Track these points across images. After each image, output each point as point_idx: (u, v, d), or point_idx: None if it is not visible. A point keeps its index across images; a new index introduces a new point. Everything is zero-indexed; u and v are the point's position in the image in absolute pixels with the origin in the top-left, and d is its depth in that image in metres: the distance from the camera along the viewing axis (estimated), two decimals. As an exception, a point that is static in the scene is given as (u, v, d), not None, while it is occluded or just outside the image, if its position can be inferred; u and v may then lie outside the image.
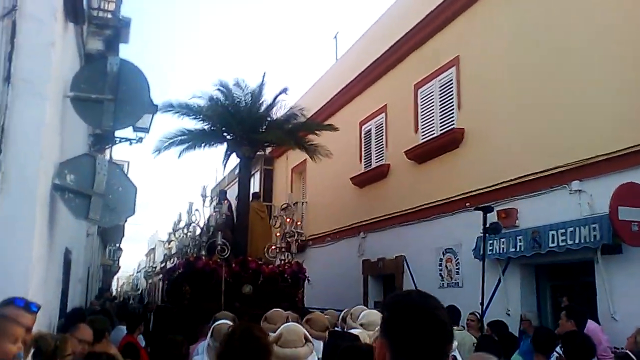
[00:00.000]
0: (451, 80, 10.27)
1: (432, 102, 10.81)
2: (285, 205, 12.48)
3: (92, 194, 4.84)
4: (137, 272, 63.45)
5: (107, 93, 5.04)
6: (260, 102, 12.03)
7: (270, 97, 12.14)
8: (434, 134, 10.62)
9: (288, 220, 11.81)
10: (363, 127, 13.59)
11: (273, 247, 11.08)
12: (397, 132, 12.00)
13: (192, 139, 11.86)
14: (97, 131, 9.61)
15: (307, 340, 4.39)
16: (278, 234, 11.56)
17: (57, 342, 3.59)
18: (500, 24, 9.22)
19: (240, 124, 11.54)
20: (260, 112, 11.94)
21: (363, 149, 13.52)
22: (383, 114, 12.68)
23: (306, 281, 11.22)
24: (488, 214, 7.30)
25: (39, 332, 3.66)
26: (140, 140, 10.88)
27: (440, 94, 10.57)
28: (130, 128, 10.21)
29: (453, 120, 10.13)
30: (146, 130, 10.59)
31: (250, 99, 11.91)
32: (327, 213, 15.23)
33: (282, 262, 10.98)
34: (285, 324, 4.91)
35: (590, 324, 6.02)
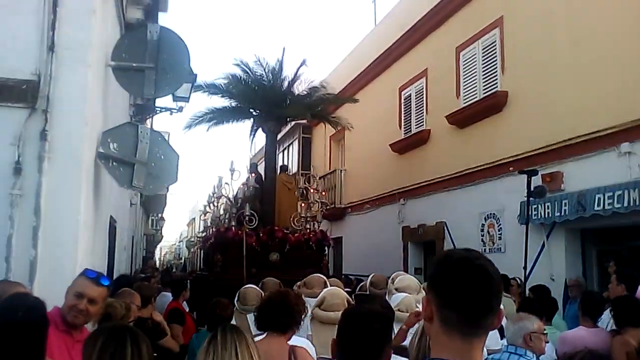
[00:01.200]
0: (494, 41, 9.99)
1: (475, 64, 10.55)
2: (310, 176, 13.15)
3: (136, 162, 4.90)
4: (180, 242, 64.78)
5: (148, 61, 5.06)
6: (283, 77, 12.35)
7: (291, 72, 12.41)
8: (476, 97, 10.39)
9: (312, 190, 12.22)
10: (403, 93, 13.40)
11: (299, 217, 11.44)
12: (438, 97, 11.79)
13: (219, 116, 12.44)
14: (138, 101, 9.74)
15: (349, 303, 4.57)
16: (303, 205, 11.83)
17: (125, 309, 3.74)
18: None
19: (263, 100, 11.93)
20: (283, 88, 12.28)
21: (403, 115, 13.36)
22: (423, 79, 12.46)
23: (331, 247, 11.80)
24: (533, 177, 7.13)
25: (109, 299, 3.79)
26: (180, 109, 10.96)
27: (483, 57, 10.30)
28: (170, 97, 10.31)
29: (496, 83, 9.88)
30: (186, 99, 10.65)
31: (271, 75, 12.24)
32: (366, 180, 15.18)
33: (308, 230, 11.31)
34: (328, 289, 5.15)
35: (640, 289, 5.88)
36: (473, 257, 1.51)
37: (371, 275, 6.43)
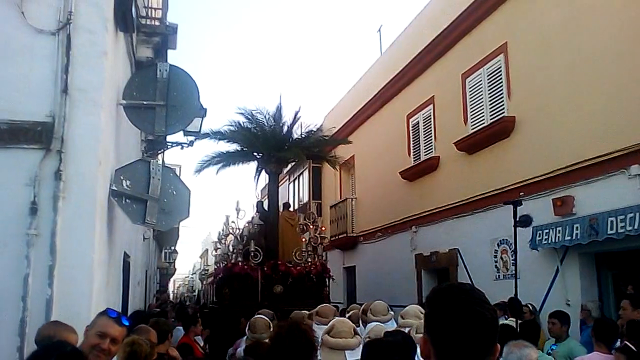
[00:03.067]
0: (500, 67, 10.07)
1: (481, 91, 10.62)
2: (310, 213, 14.09)
3: (148, 199, 4.98)
4: (193, 274, 64.66)
5: (158, 99, 5.18)
6: (282, 123, 13.52)
7: (290, 116, 13.69)
8: (483, 123, 10.43)
9: (312, 227, 13.13)
10: (410, 120, 13.48)
11: (300, 251, 12.31)
12: (446, 124, 11.85)
13: (226, 159, 13.55)
14: (150, 137, 9.87)
15: (355, 332, 4.85)
16: (304, 240, 12.79)
17: (149, 347, 3.78)
18: (549, 8, 8.98)
19: (265, 144, 13.04)
20: (282, 133, 13.46)
21: (412, 142, 13.41)
22: (431, 106, 12.55)
23: (330, 280, 12.77)
24: (518, 207, 7.26)
25: (134, 337, 3.83)
26: (191, 143, 11.11)
27: (489, 83, 10.38)
28: (181, 132, 10.45)
29: (503, 109, 9.93)
30: (197, 134, 10.80)
31: (272, 121, 13.40)
32: (377, 208, 15.18)
33: (309, 263, 12.13)
34: (337, 318, 5.51)
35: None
36: (467, 297, 1.51)
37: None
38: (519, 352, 3.81)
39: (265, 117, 13.36)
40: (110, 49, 4.68)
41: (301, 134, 13.98)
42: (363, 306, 6.87)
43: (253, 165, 13.84)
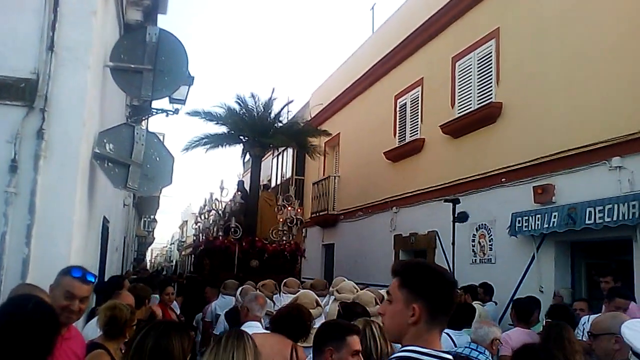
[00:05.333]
0: (490, 53, 10.07)
1: (470, 75, 10.62)
2: (288, 195, 14.73)
3: (131, 163, 4.94)
4: (171, 244, 64.58)
5: (146, 63, 5.11)
6: (270, 111, 14.58)
7: (279, 105, 14.89)
8: (471, 107, 10.45)
9: (289, 208, 13.97)
10: (398, 101, 13.46)
11: (277, 230, 13.37)
12: (433, 106, 11.86)
13: (215, 141, 14.42)
14: (135, 102, 9.76)
15: (317, 304, 5.58)
16: (281, 220, 13.65)
17: (129, 312, 3.76)
18: (542, -5, 8.98)
19: (252, 129, 13.99)
20: (269, 120, 14.53)
21: (398, 123, 13.41)
22: (419, 88, 12.53)
23: (303, 257, 14.00)
24: (457, 205, 8.58)
25: (115, 302, 3.82)
26: (176, 111, 11.02)
27: (479, 67, 10.38)
28: (167, 99, 10.35)
29: (491, 94, 9.95)
30: (182, 102, 10.70)
31: (262, 109, 14.43)
32: (359, 187, 15.22)
33: (284, 242, 13.16)
34: (301, 290, 6.41)
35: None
36: (444, 271, 2.04)
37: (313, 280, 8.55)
38: (486, 329, 4.58)
39: (255, 103, 14.32)
40: (99, 9, 4.59)
41: (286, 123, 15.17)
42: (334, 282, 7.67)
43: (238, 147, 14.75)
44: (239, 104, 14.27)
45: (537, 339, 5.38)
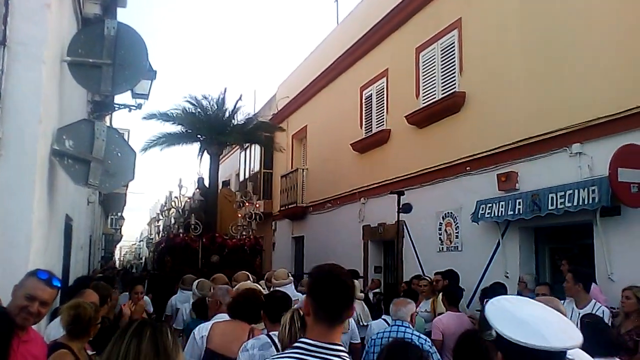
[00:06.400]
0: (453, 43, 10.16)
1: (434, 65, 10.71)
2: (246, 191, 15.28)
3: (92, 160, 4.84)
4: (140, 241, 63.80)
5: (105, 57, 5.01)
6: (224, 109, 14.99)
7: (232, 103, 15.24)
8: (435, 98, 10.55)
9: (248, 204, 14.37)
10: (364, 92, 13.50)
11: (236, 226, 13.72)
12: (398, 97, 11.92)
13: (171, 140, 14.78)
14: (96, 98, 9.58)
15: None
16: (240, 215, 14.07)
17: (94, 311, 3.70)
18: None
19: (208, 128, 14.38)
20: (224, 118, 14.93)
21: (364, 115, 13.46)
22: (384, 79, 12.59)
23: (262, 252, 14.22)
24: (401, 197, 9.11)
25: (78, 301, 3.74)
26: (139, 106, 10.86)
27: (442, 58, 10.47)
28: (130, 94, 10.18)
29: (455, 84, 10.05)
30: (145, 96, 10.54)
31: (215, 107, 14.85)
32: (327, 179, 15.25)
33: (244, 237, 13.53)
34: (245, 282, 6.47)
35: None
36: (336, 272, 2.28)
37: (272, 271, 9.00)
38: (406, 307, 5.26)
39: (209, 103, 14.78)
40: (54, 2, 4.47)
41: (241, 120, 15.50)
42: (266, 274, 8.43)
43: (196, 145, 15.14)
44: (192, 104, 14.71)
45: (466, 321, 6.24)
